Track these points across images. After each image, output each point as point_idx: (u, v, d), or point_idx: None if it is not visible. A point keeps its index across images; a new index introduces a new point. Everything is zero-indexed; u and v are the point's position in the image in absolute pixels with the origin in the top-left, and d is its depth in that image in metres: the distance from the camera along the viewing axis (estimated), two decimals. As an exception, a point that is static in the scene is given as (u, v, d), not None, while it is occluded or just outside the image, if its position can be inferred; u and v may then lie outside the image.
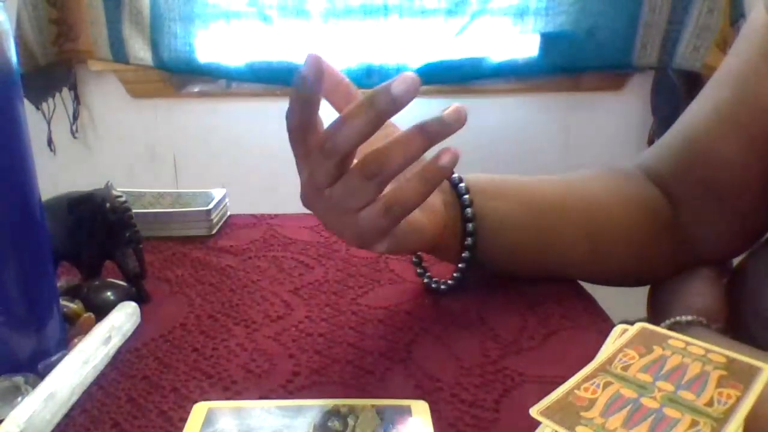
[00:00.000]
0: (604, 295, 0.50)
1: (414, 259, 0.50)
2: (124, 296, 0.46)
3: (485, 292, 0.49)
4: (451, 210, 0.45)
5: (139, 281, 0.49)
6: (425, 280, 0.50)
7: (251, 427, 0.33)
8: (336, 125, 0.32)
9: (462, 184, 0.46)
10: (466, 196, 0.45)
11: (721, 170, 0.49)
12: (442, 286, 0.49)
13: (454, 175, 0.46)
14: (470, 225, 0.45)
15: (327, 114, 0.34)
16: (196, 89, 1.39)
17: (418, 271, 0.50)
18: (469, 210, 0.45)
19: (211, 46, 1.30)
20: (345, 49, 1.27)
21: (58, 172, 1.38)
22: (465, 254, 0.46)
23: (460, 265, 0.47)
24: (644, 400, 0.28)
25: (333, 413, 0.34)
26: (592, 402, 0.28)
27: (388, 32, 1.27)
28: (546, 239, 0.49)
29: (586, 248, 0.49)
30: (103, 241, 0.47)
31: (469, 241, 0.45)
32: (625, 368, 0.30)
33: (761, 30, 0.48)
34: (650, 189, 0.52)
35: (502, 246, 0.48)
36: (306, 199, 0.37)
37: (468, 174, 0.48)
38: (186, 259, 0.57)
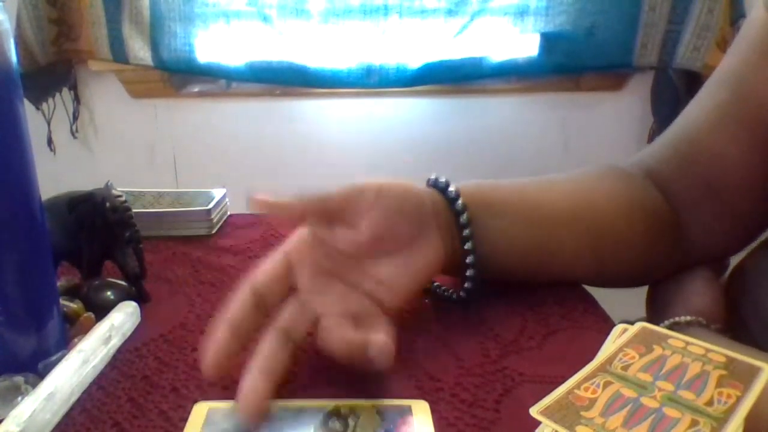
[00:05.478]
0: (604, 295, 0.50)
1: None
2: (124, 296, 0.46)
3: (485, 292, 0.49)
4: (453, 231, 0.44)
5: (139, 281, 0.49)
6: (436, 290, 0.48)
7: (251, 428, 0.33)
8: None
9: (459, 201, 0.43)
10: (465, 215, 0.43)
11: (720, 169, 0.49)
12: (453, 296, 0.47)
13: (450, 189, 0.44)
14: (469, 244, 0.44)
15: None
16: (196, 89, 1.40)
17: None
18: (467, 230, 0.43)
19: (211, 46, 1.30)
20: (345, 49, 1.27)
21: (58, 172, 1.38)
22: (469, 272, 0.44)
23: (466, 285, 0.45)
24: (644, 400, 0.28)
25: (334, 414, 0.34)
26: (592, 402, 0.28)
27: (388, 32, 1.27)
28: (551, 254, 0.48)
29: (591, 258, 0.49)
30: (103, 240, 0.47)
31: (470, 259, 0.44)
32: (625, 368, 0.30)
33: (760, 29, 0.48)
34: (651, 191, 0.52)
35: (505, 263, 0.46)
36: None
37: (467, 184, 0.45)
38: (186, 258, 0.57)
